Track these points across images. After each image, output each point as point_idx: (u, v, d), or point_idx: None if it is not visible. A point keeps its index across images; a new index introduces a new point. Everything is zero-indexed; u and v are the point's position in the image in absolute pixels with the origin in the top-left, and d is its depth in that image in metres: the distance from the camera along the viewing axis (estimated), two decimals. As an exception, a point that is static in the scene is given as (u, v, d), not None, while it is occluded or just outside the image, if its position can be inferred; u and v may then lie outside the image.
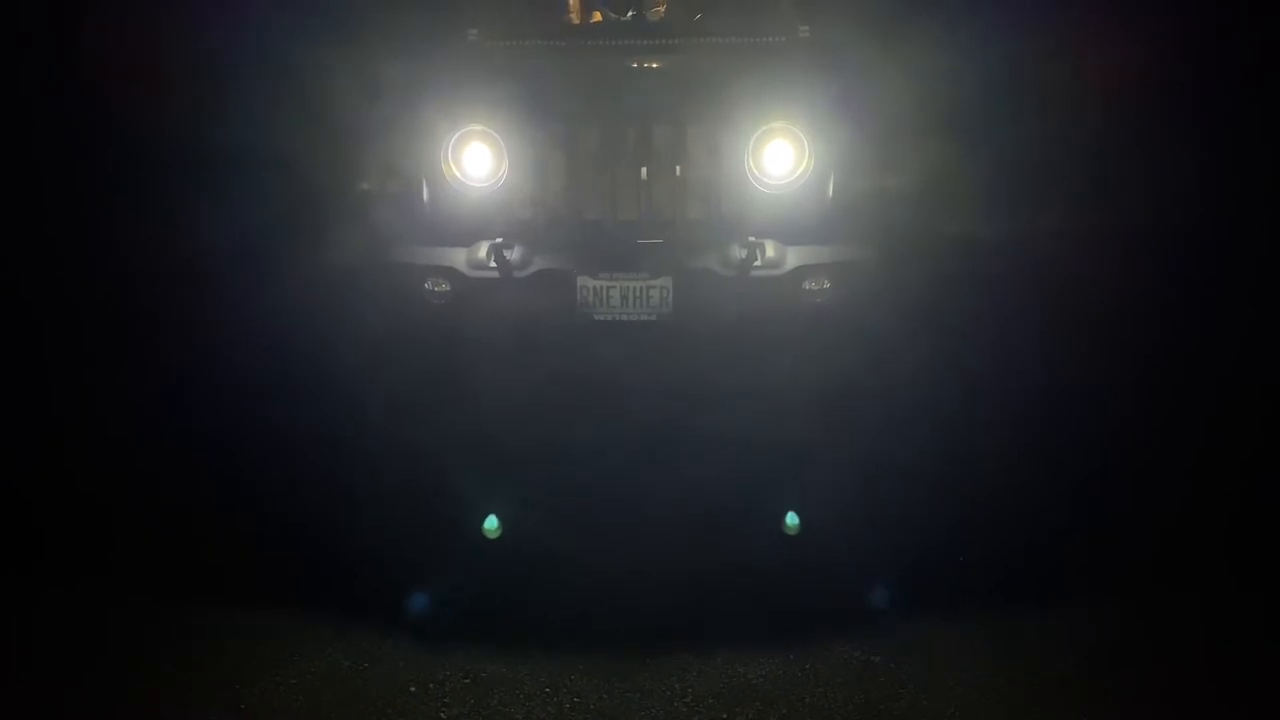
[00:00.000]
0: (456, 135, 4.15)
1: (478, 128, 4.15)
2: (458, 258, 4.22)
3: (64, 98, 5.63)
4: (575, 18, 4.80)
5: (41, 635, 3.94)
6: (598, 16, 4.79)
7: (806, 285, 4.15)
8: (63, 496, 4.68)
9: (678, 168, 4.18)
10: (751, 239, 4.10)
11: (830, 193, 4.24)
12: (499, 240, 4.13)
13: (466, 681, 3.67)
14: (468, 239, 4.23)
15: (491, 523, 4.28)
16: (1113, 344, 5.05)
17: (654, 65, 4.36)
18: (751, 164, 4.13)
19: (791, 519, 4.28)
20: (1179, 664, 3.73)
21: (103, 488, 4.69)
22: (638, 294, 4.13)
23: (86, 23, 5.58)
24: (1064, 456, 4.74)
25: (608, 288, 4.13)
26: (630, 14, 4.74)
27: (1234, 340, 5.25)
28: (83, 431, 5.03)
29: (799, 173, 4.15)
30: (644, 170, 4.15)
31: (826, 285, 4.15)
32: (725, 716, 3.51)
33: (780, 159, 4.13)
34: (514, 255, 4.16)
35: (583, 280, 4.14)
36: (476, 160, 4.16)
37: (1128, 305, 5.08)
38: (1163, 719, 3.51)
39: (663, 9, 4.80)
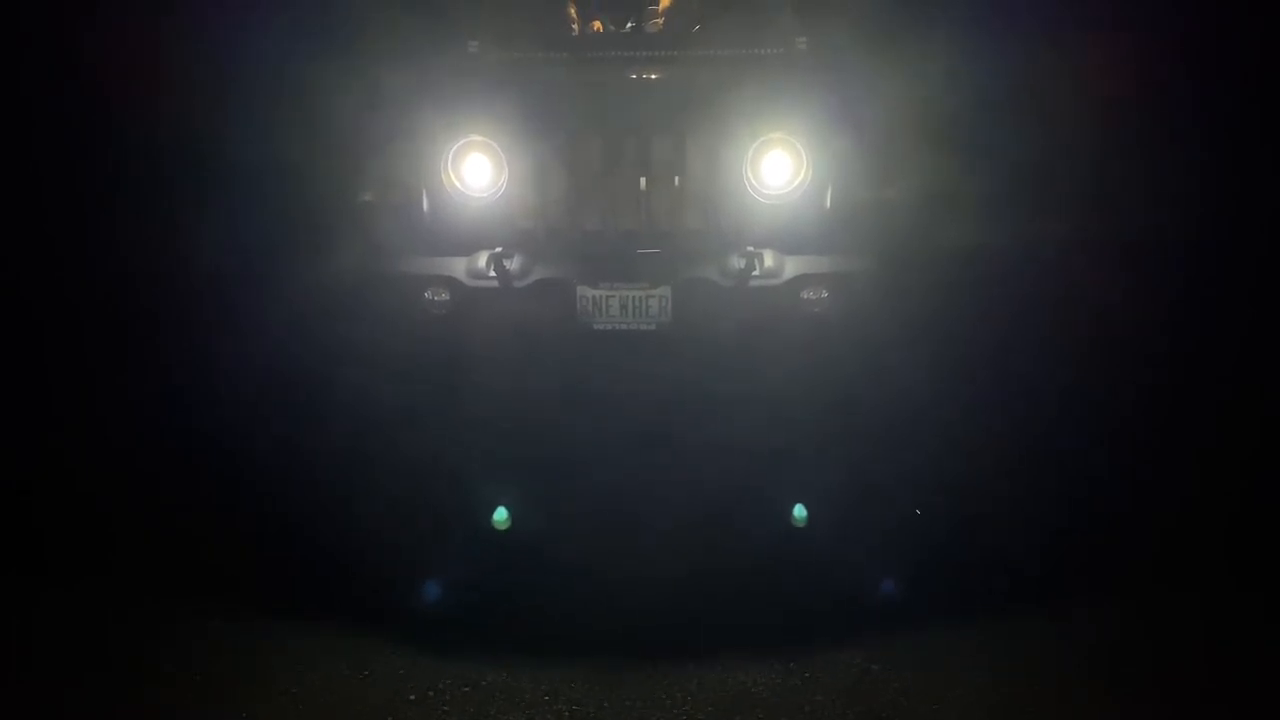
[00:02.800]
0: (457, 145, 4.15)
1: (478, 138, 4.14)
2: (458, 267, 4.22)
3: (64, 98, 5.62)
4: (575, 29, 4.79)
5: (41, 635, 3.96)
6: (597, 27, 4.79)
7: (805, 295, 4.16)
8: (63, 496, 4.70)
9: (677, 178, 4.18)
10: (750, 249, 4.12)
11: (828, 203, 4.23)
12: (499, 250, 4.14)
13: (466, 689, 3.68)
14: (468, 249, 4.24)
15: (500, 514, 4.31)
16: (1113, 344, 5.05)
17: (653, 76, 4.34)
18: (750, 174, 4.13)
19: (799, 511, 4.30)
20: (1179, 664, 3.76)
21: (103, 488, 4.71)
22: (637, 304, 4.14)
23: (86, 24, 5.56)
24: (1064, 457, 4.74)
25: (607, 297, 4.14)
26: (630, 25, 4.79)
27: (1234, 340, 5.25)
28: (83, 431, 5.02)
29: (797, 183, 4.14)
30: (643, 181, 4.16)
31: (825, 295, 4.15)
32: (725, 724, 3.54)
33: (779, 169, 4.12)
34: (514, 265, 4.17)
35: (582, 290, 4.15)
36: (476, 170, 4.16)
37: (1128, 306, 5.07)
38: (1162, 719, 3.54)
39: (662, 21, 4.81)
